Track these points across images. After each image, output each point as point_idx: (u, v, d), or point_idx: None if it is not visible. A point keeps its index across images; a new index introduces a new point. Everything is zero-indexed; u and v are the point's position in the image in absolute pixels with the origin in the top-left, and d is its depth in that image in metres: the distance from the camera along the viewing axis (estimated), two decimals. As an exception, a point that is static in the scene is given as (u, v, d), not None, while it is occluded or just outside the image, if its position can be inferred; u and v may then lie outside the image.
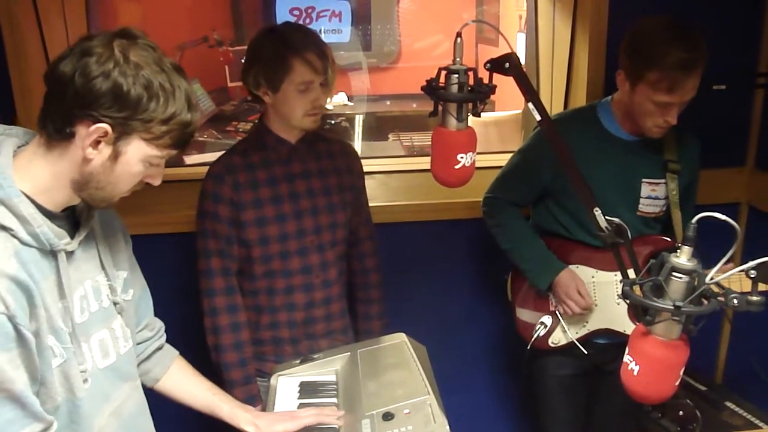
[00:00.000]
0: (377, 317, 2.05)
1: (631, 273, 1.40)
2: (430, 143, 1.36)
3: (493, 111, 3.54)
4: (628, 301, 1.22)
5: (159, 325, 1.50)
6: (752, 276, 1.10)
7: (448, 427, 1.32)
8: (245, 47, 1.83)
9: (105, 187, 1.14)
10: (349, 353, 1.68)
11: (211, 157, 1.96)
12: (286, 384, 1.65)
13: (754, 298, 1.09)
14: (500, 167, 2.08)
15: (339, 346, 1.85)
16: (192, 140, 1.19)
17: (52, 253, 1.12)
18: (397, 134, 4.06)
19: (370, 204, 2.05)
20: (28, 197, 1.09)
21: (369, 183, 2.08)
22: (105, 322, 1.26)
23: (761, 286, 1.10)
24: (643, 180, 1.91)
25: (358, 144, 3.78)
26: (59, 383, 1.14)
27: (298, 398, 1.59)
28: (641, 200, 1.92)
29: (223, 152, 1.88)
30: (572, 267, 1.95)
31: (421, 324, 1.92)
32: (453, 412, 1.41)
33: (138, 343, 1.41)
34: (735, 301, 1.10)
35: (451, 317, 2.47)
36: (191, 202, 1.91)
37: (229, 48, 3.71)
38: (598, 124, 1.92)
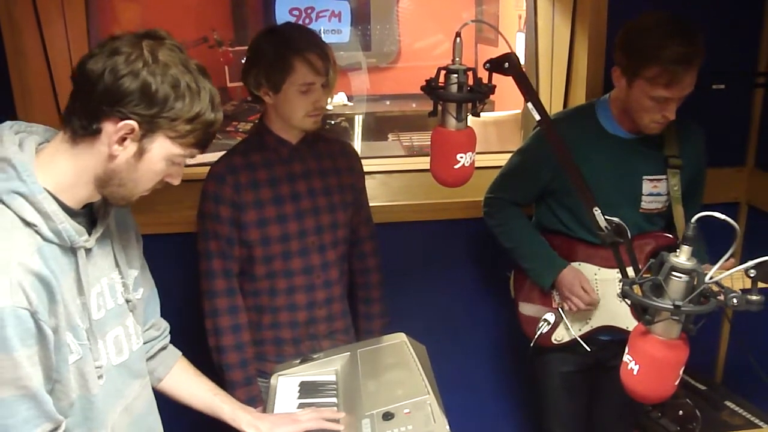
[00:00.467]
0: (378, 317, 2.05)
1: (631, 272, 1.40)
2: (429, 143, 1.36)
3: (493, 111, 3.55)
4: (627, 301, 1.22)
5: (164, 325, 1.51)
6: (752, 275, 1.10)
7: (447, 427, 1.32)
8: (245, 47, 1.83)
9: (127, 185, 1.16)
10: (349, 353, 1.68)
11: (211, 157, 1.96)
12: (286, 384, 1.65)
13: (754, 298, 1.09)
14: (500, 167, 2.08)
15: (340, 346, 1.85)
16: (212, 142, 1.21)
17: (71, 250, 1.14)
18: (396, 134, 4.07)
19: (370, 204, 2.05)
20: (50, 194, 1.11)
21: (369, 183, 2.08)
22: (120, 319, 1.28)
23: (761, 285, 1.10)
24: (644, 177, 1.91)
25: (357, 144, 3.79)
26: (74, 380, 1.15)
27: (298, 398, 1.59)
28: (643, 197, 1.92)
29: (224, 153, 1.88)
30: (575, 264, 1.96)
31: (421, 324, 1.92)
32: (453, 412, 1.41)
33: (144, 342, 1.42)
34: (734, 300, 1.10)
35: (451, 317, 2.47)
36: (191, 202, 1.91)
37: (228, 48, 3.71)
38: (597, 122, 1.92)
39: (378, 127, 4.17)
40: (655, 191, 1.92)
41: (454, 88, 1.29)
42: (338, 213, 1.90)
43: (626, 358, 1.20)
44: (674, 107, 1.73)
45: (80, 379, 1.17)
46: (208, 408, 1.50)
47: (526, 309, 2.06)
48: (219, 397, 1.51)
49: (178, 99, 1.10)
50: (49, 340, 1.08)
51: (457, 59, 1.29)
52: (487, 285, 2.45)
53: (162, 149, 1.14)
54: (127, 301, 1.30)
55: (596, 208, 1.35)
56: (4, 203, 1.08)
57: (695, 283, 1.11)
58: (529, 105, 1.31)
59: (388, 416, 1.37)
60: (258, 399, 1.88)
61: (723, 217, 1.08)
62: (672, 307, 1.09)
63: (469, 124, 1.33)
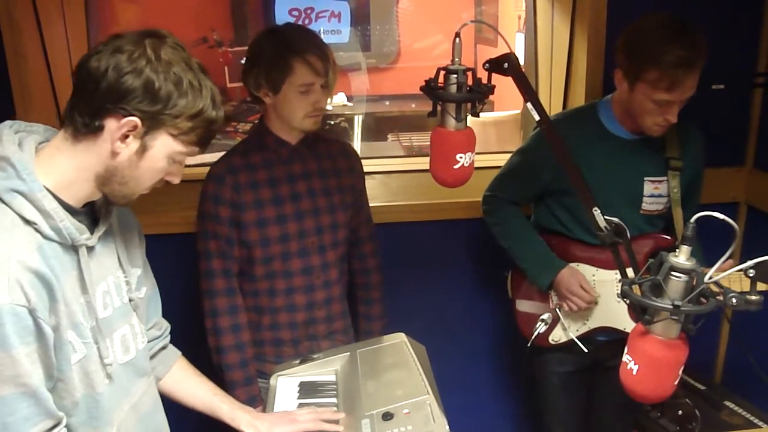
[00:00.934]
0: (378, 317, 2.05)
1: (631, 273, 1.40)
2: (429, 143, 1.36)
3: (492, 111, 3.55)
4: (627, 301, 1.22)
5: (165, 325, 1.51)
6: (751, 275, 1.10)
7: (447, 427, 1.32)
8: (245, 48, 1.83)
9: (128, 183, 1.16)
10: (348, 353, 1.68)
11: (211, 157, 1.96)
12: (285, 384, 1.65)
13: (753, 298, 1.09)
14: (499, 167, 2.08)
15: (339, 346, 1.85)
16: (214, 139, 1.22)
17: (73, 248, 1.14)
18: (396, 134, 4.07)
19: (370, 204, 2.05)
20: (50, 192, 1.11)
21: (369, 183, 2.08)
22: (126, 317, 1.29)
23: (760, 285, 1.11)
24: (645, 179, 1.91)
25: (357, 144, 3.79)
26: (78, 379, 1.16)
27: (298, 398, 1.59)
28: (644, 199, 1.92)
29: (224, 153, 1.89)
30: (573, 265, 1.96)
31: (420, 324, 1.92)
32: (453, 412, 1.41)
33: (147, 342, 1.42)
34: (734, 300, 1.10)
35: (450, 317, 2.47)
36: (191, 202, 1.91)
37: (228, 48, 3.72)
38: (599, 123, 1.92)
39: (377, 128, 4.17)
40: (656, 192, 1.92)
41: (453, 88, 1.29)
42: (338, 214, 1.90)
43: (626, 358, 1.20)
44: (676, 110, 1.73)
45: (85, 378, 1.17)
46: (208, 408, 1.50)
47: (524, 306, 2.07)
48: (218, 397, 1.51)
49: (181, 96, 1.11)
50: (49, 338, 1.08)
51: (457, 59, 1.29)
52: (487, 285, 2.45)
53: (164, 146, 1.15)
54: (131, 300, 1.31)
55: (596, 209, 1.35)
56: (3, 202, 1.08)
57: (694, 283, 1.11)
58: (529, 105, 1.31)
59: (387, 416, 1.37)
60: (258, 399, 1.88)
61: (722, 217, 1.08)
62: (671, 307, 1.09)
63: (468, 124, 1.33)
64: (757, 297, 1.09)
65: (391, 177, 2.46)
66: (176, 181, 1.22)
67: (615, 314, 1.93)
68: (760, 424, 1.84)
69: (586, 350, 1.95)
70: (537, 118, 1.32)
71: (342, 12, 3.81)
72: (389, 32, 4.50)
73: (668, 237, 1.94)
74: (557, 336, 2.00)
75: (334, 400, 1.57)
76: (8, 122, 1.17)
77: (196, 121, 1.14)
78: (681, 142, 1.91)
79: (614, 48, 1.81)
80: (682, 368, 1.18)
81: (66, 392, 1.14)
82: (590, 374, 2.10)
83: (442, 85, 1.30)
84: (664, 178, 1.91)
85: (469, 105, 1.31)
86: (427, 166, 1.37)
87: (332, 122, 3.75)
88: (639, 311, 1.18)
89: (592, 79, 2.26)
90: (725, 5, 2.25)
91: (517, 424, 2.65)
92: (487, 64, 1.30)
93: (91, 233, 1.19)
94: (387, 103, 4.47)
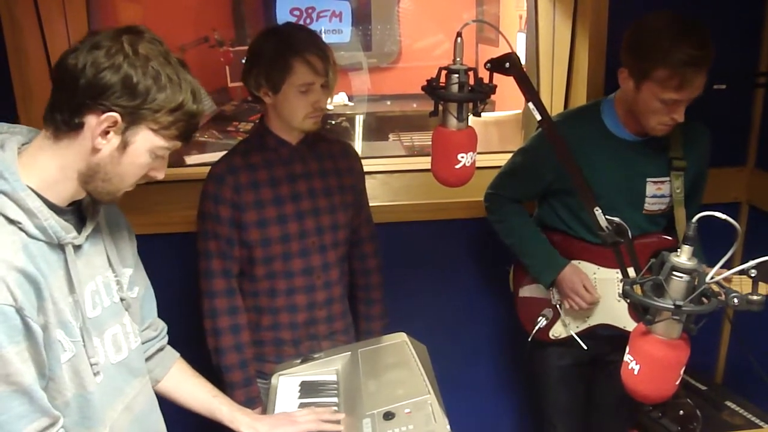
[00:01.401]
0: (379, 318, 2.05)
1: (632, 272, 1.40)
2: (430, 143, 1.36)
3: (494, 111, 3.54)
4: (628, 300, 1.22)
5: (162, 326, 1.50)
6: (752, 275, 1.10)
7: (448, 427, 1.32)
8: (246, 47, 1.83)
9: (112, 179, 1.16)
10: (349, 353, 1.68)
11: (212, 157, 1.97)
12: (286, 384, 1.65)
13: (755, 298, 1.09)
14: (500, 167, 2.08)
15: (340, 346, 1.85)
16: (195, 134, 1.22)
17: (59, 247, 1.14)
18: (397, 134, 4.06)
19: (370, 204, 2.05)
20: (34, 192, 1.11)
21: (369, 183, 2.08)
22: (117, 317, 1.28)
23: (762, 286, 1.11)
24: (648, 179, 1.90)
25: (358, 144, 3.78)
26: (69, 378, 1.15)
27: (299, 398, 1.59)
28: (647, 199, 1.92)
29: (224, 153, 1.88)
30: (574, 262, 1.96)
31: (421, 323, 1.92)
32: (454, 411, 1.41)
33: (142, 343, 1.42)
34: (735, 300, 1.10)
35: (451, 316, 2.47)
36: (191, 202, 1.91)
37: (229, 48, 3.71)
38: (602, 124, 1.91)
39: (379, 127, 4.16)
40: (658, 193, 1.92)
41: (455, 88, 1.29)
42: (339, 214, 1.90)
43: (627, 357, 1.20)
44: (683, 109, 1.72)
45: (75, 378, 1.16)
46: (207, 410, 1.50)
47: (527, 291, 2.07)
48: (218, 399, 1.51)
49: (160, 90, 1.11)
50: (38, 337, 1.08)
51: (458, 59, 1.29)
52: (488, 285, 2.45)
53: (145, 141, 1.14)
54: (122, 300, 1.30)
55: (597, 208, 1.35)
56: None
57: (696, 283, 1.11)
58: (530, 105, 1.31)
59: (388, 416, 1.37)
60: (257, 400, 1.88)
61: (724, 217, 1.08)
62: (673, 306, 1.09)
63: (470, 124, 1.33)
64: (759, 297, 1.09)
65: (393, 177, 2.47)
66: (160, 176, 1.22)
67: (615, 313, 1.93)
68: (761, 424, 1.84)
69: (585, 347, 1.96)
70: (539, 117, 1.32)
71: (343, 12, 3.80)
72: (390, 32, 4.49)
73: (669, 238, 1.94)
74: (557, 332, 2.01)
75: (335, 399, 1.57)
76: None
77: (177, 115, 1.14)
78: (685, 141, 1.90)
79: (619, 47, 1.79)
80: (684, 368, 1.18)
81: (57, 392, 1.14)
82: (590, 368, 2.11)
83: (443, 84, 1.30)
84: (667, 178, 1.91)
85: (470, 105, 1.31)
86: (428, 166, 1.37)
87: (333, 122, 3.74)
88: (640, 311, 1.18)
89: (593, 79, 2.26)
90: (727, 5, 2.25)
91: (518, 424, 2.65)
92: (488, 64, 1.30)
93: (79, 232, 1.18)
94: (388, 102, 4.47)
